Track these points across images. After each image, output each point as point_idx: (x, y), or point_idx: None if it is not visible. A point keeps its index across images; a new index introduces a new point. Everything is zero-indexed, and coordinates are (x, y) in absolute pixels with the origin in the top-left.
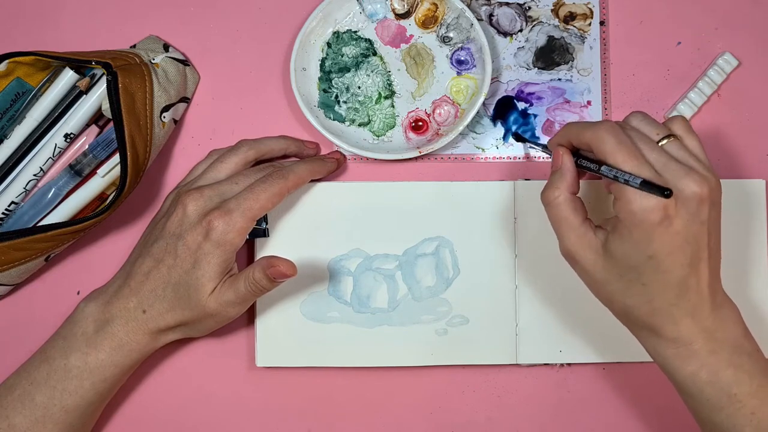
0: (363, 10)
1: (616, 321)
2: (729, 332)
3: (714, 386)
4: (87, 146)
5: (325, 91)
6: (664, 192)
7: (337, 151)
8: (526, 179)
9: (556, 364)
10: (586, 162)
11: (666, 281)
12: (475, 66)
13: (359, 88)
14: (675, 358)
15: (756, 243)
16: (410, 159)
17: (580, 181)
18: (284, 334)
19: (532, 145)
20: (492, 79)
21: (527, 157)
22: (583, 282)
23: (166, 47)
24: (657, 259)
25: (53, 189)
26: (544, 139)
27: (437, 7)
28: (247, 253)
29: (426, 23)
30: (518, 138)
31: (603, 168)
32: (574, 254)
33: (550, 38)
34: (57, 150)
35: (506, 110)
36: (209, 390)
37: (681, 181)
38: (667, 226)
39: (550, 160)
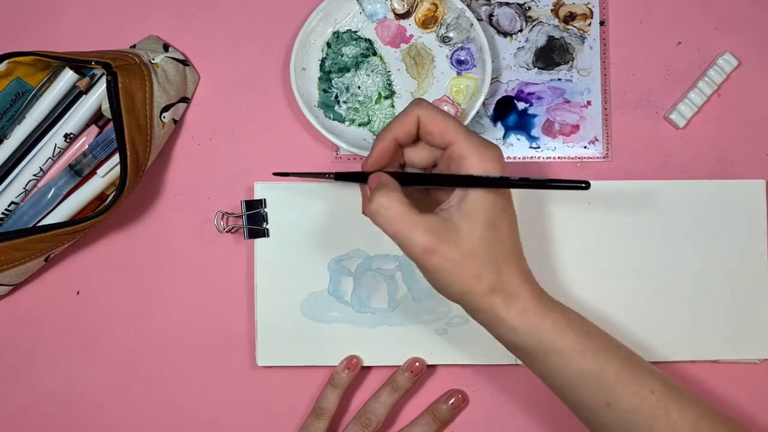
0: (363, 10)
1: (615, 321)
2: None
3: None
4: (87, 146)
5: (325, 91)
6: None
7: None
8: None
9: None
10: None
11: (514, 236)
12: (475, 66)
13: (359, 88)
14: (503, 301)
15: (756, 243)
16: None
17: None
18: (284, 334)
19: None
20: (492, 79)
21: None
22: (440, 276)
23: (166, 47)
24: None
25: (53, 189)
26: (542, 138)
27: (437, 7)
28: (247, 252)
29: (426, 23)
30: (281, 174)
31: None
32: (435, 247)
33: (550, 38)
34: (57, 150)
35: (506, 110)
36: (209, 390)
37: None
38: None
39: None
